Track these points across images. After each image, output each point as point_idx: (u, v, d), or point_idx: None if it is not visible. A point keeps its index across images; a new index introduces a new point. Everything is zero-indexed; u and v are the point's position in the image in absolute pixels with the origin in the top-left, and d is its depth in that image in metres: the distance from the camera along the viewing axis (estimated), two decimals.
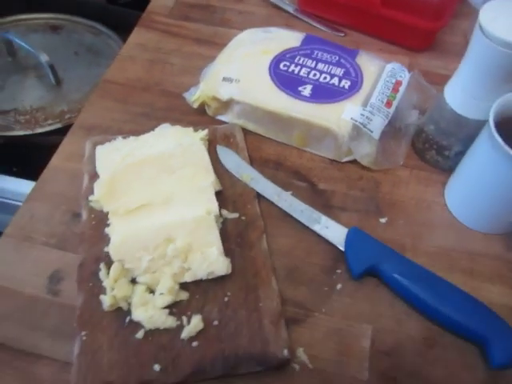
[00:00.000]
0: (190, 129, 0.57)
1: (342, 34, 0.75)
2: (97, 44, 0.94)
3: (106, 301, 0.45)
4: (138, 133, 0.58)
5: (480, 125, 0.50)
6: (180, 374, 0.43)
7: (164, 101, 0.66)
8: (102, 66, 0.86)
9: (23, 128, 0.75)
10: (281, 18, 0.78)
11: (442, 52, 0.73)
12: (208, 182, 0.51)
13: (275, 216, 0.54)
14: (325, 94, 0.58)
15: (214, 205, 0.50)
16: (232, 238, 0.51)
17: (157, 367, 0.43)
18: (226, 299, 0.47)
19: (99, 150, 0.56)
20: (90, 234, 0.52)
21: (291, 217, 0.54)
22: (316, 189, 0.57)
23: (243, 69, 0.61)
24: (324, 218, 0.53)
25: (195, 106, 0.62)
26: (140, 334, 0.45)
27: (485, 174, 0.50)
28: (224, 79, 0.60)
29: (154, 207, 0.50)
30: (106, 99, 0.66)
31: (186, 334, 0.44)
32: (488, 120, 0.47)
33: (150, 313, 0.45)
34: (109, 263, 0.48)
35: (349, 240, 0.51)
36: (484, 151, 0.49)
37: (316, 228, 0.52)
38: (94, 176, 0.55)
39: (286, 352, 0.44)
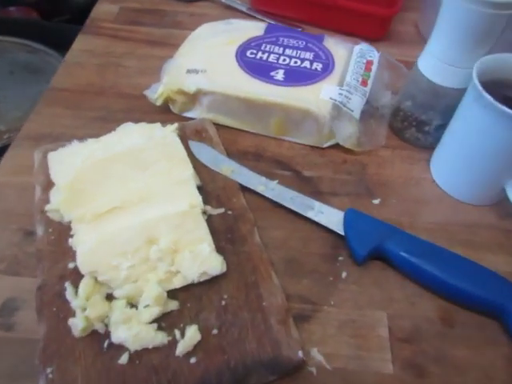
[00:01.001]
0: (158, 124, 0.51)
1: (299, 29, 0.73)
2: (34, 62, 0.86)
3: (78, 324, 0.37)
4: (95, 136, 0.52)
5: (458, 94, 0.49)
6: None
7: (121, 102, 0.60)
8: (42, 83, 0.78)
9: None
10: (235, 18, 0.75)
11: (398, 41, 0.73)
12: (187, 174, 0.46)
13: (263, 208, 0.49)
14: (298, 77, 0.54)
15: (198, 198, 0.44)
16: (221, 234, 0.45)
17: None
18: (223, 303, 0.40)
19: (52, 156, 0.49)
20: (49, 251, 0.43)
21: (281, 206, 0.49)
22: (302, 176, 0.53)
23: (208, 59, 0.56)
24: (317, 204, 0.48)
25: (158, 103, 0.56)
26: (124, 359, 0.36)
27: (472, 141, 0.48)
28: (188, 71, 0.55)
29: (129, 208, 0.43)
30: (54, 107, 0.59)
31: (181, 349, 0.37)
32: (467, 87, 0.46)
33: (134, 330, 0.37)
34: (76, 280, 0.40)
35: (347, 222, 0.46)
36: (470, 116, 0.47)
37: (310, 215, 0.47)
38: (48, 186, 0.47)
39: (300, 353, 0.38)
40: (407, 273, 0.45)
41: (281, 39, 0.59)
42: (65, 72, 0.64)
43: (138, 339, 0.37)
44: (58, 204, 0.43)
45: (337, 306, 0.43)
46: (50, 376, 0.36)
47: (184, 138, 0.53)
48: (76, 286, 0.40)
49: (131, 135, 0.49)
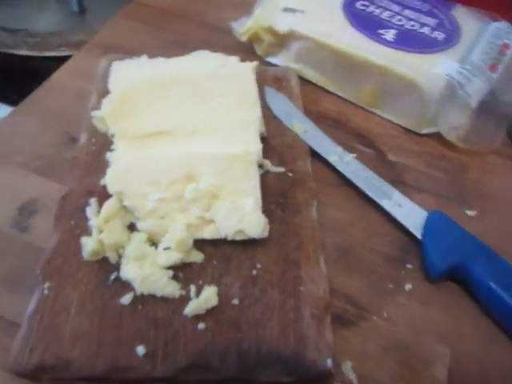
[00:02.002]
0: (236, 57, 0.44)
1: None
2: None
3: (89, 245, 0.32)
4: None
5: None
6: (173, 365, 0.29)
7: (204, 32, 0.54)
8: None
9: (30, 49, 0.63)
10: None
11: None
12: (252, 116, 0.38)
13: (330, 181, 0.41)
14: (412, 41, 0.45)
15: (257, 145, 0.37)
16: (273, 196, 0.38)
17: (141, 350, 0.29)
18: (254, 272, 0.33)
19: (117, 65, 0.44)
20: (85, 161, 0.39)
21: (351, 185, 0.40)
22: (385, 159, 0.44)
23: (311, 0, 0.48)
24: (397, 194, 0.39)
25: (243, 38, 0.50)
26: (127, 299, 0.31)
27: None
28: (285, 9, 0.48)
29: (177, 136, 0.37)
30: (133, 20, 0.55)
31: (191, 309, 0.30)
32: None
33: (146, 271, 0.31)
34: (102, 199, 0.35)
35: (429, 226, 0.37)
36: None
37: (384, 204, 0.39)
38: (104, 95, 0.42)
39: (329, 362, 0.30)
40: (489, 307, 0.35)
41: None
42: None
43: (148, 282, 0.31)
44: (106, 113, 0.38)
45: (390, 320, 0.34)
46: (46, 292, 0.31)
47: (261, 82, 0.46)
48: (101, 205, 0.35)
49: (204, 62, 0.43)
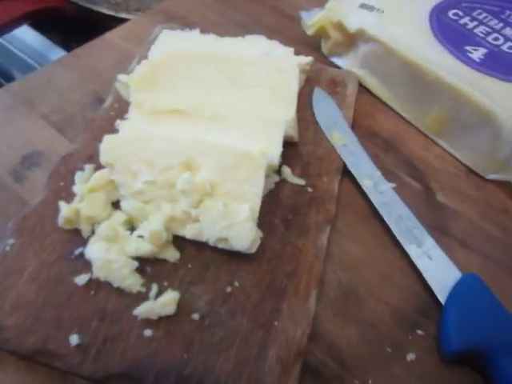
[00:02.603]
0: (291, 49, 0.40)
1: None
2: None
3: (63, 211, 0.30)
4: None
5: None
6: (104, 367, 0.25)
7: (272, 18, 0.50)
8: None
9: (108, 8, 0.63)
10: None
11: None
12: (284, 117, 0.34)
13: (356, 209, 0.35)
14: (504, 66, 0.37)
15: (277, 148, 0.32)
16: (281, 209, 0.33)
17: (74, 339, 0.26)
18: (228, 289, 0.29)
19: (165, 33, 0.41)
20: (98, 125, 0.37)
21: (379, 219, 0.34)
22: (433, 199, 0.36)
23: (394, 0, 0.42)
24: (430, 242, 0.32)
25: (310, 31, 0.45)
26: (82, 279, 0.28)
27: None
28: (362, 6, 0.42)
29: (194, 119, 0.33)
30: None
31: (143, 310, 0.27)
32: None
33: (110, 255, 0.28)
34: (100, 168, 0.32)
35: (458, 291, 0.30)
36: None
37: (411, 250, 0.32)
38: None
39: None
40: None
41: (508, 12, 0.41)
42: None
43: (107, 267, 0.28)
44: (131, 79, 0.36)
45: None
46: (8, 248, 0.29)
47: (314, 81, 0.41)
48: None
49: (250, 47, 0.39)
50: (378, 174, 0.36)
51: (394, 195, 0.34)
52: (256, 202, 0.29)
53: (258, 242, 0.29)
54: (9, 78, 0.66)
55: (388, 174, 0.36)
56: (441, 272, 0.31)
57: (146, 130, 0.32)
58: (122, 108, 0.37)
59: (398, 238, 0.32)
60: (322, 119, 0.38)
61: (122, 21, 0.60)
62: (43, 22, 0.62)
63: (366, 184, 0.35)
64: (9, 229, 0.30)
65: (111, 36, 0.46)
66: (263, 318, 0.28)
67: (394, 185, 0.35)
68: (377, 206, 0.34)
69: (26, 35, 0.61)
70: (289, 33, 0.48)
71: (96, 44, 0.45)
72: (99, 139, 0.35)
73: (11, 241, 0.29)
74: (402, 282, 0.32)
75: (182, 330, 0.27)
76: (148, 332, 0.27)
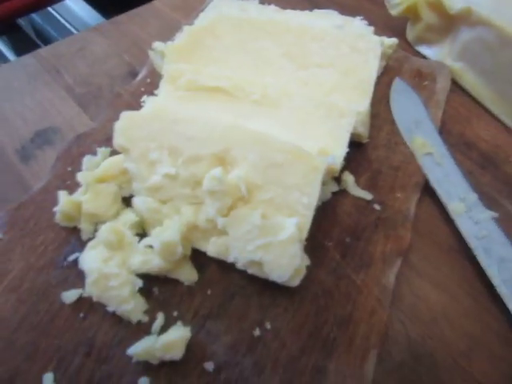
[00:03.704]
0: (371, 28, 0.31)
1: None
2: None
3: (63, 204, 0.23)
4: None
5: None
6: None
7: None
8: None
9: None
10: None
11: None
12: (354, 109, 0.26)
13: (438, 239, 0.26)
14: None
15: (341, 148, 0.24)
16: (338, 229, 0.25)
17: (48, 380, 0.19)
18: (257, 333, 0.21)
19: (218, 2, 0.35)
20: (126, 101, 0.31)
21: (468, 255, 0.25)
22: None
23: None
24: None
25: (396, 11, 0.37)
26: (69, 296, 0.22)
27: None
28: None
29: (237, 102, 0.26)
30: None
31: (141, 349, 0.20)
32: None
33: (109, 267, 0.21)
34: (114, 153, 0.26)
35: None
36: None
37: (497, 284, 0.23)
38: None
39: None
40: None
41: None
42: None
43: (103, 284, 0.21)
44: (168, 47, 0.29)
45: None
46: None
47: (394, 70, 0.33)
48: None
49: (318, 19, 0.31)
50: (473, 197, 0.26)
51: (494, 228, 0.25)
52: (306, 217, 0.22)
53: (304, 271, 0.21)
54: None
55: (486, 199, 0.27)
56: None
57: (174, 109, 0.25)
58: (155, 83, 0.31)
59: (498, 289, 0.23)
60: (402, 118, 0.30)
61: None
62: None
63: (455, 209, 0.26)
64: (1, 219, 0.24)
65: (159, 4, 0.40)
66: (301, 379, 0.20)
67: (495, 214, 0.26)
68: (468, 241, 0.25)
69: (76, 6, 0.57)
70: (366, 14, 0.39)
71: (139, 12, 0.40)
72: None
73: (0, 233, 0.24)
74: (498, 351, 0.23)
75: (189, 383, 0.20)
76: (144, 382, 0.20)
